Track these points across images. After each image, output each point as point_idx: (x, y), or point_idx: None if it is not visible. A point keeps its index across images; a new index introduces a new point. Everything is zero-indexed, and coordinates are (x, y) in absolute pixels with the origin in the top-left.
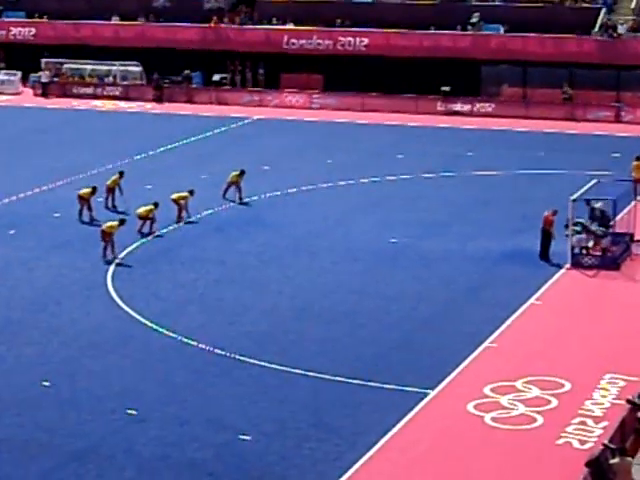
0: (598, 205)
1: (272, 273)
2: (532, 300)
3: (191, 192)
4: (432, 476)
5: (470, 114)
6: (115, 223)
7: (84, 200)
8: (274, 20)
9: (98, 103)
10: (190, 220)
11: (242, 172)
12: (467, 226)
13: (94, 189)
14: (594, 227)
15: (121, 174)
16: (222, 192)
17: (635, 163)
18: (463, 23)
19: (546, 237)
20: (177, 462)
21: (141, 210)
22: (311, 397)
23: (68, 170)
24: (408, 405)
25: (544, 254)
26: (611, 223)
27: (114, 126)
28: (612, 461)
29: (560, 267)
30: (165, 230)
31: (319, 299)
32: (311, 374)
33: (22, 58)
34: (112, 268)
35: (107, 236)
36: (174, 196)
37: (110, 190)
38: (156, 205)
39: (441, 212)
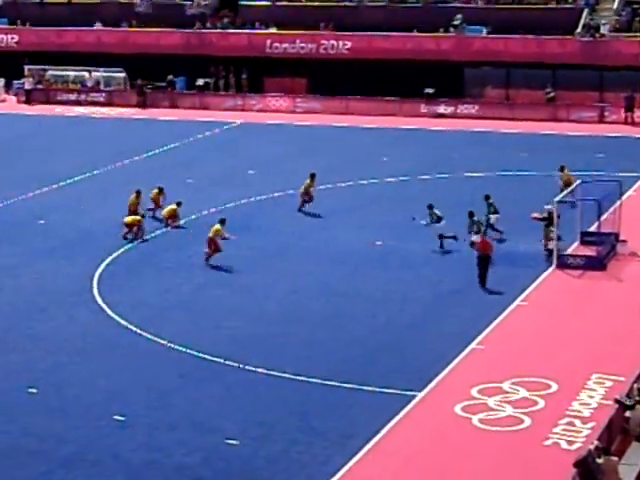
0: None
1: (257, 277)
2: (518, 301)
3: (179, 204)
4: (420, 478)
5: (454, 116)
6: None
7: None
8: (257, 24)
9: (82, 109)
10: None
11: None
12: (451, 228)
13: (138, 193)
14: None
15: (160, 190)
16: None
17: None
18: (446, 25)
19: (485, 263)
20: (165, 467)
21: (128, 219)
22: (298, 400)
23: (52, 177)
24: (395, 408)
25: (483, 280)
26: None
27: (98, 132)
28: (598, 460)
29: (546, 268)
30: (151, 235)
31: (305, 302)
32: (298, 377)
33: (5, 65)
34: (97, 274)
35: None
36: (164, 212)
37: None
38: (143, 216)
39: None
